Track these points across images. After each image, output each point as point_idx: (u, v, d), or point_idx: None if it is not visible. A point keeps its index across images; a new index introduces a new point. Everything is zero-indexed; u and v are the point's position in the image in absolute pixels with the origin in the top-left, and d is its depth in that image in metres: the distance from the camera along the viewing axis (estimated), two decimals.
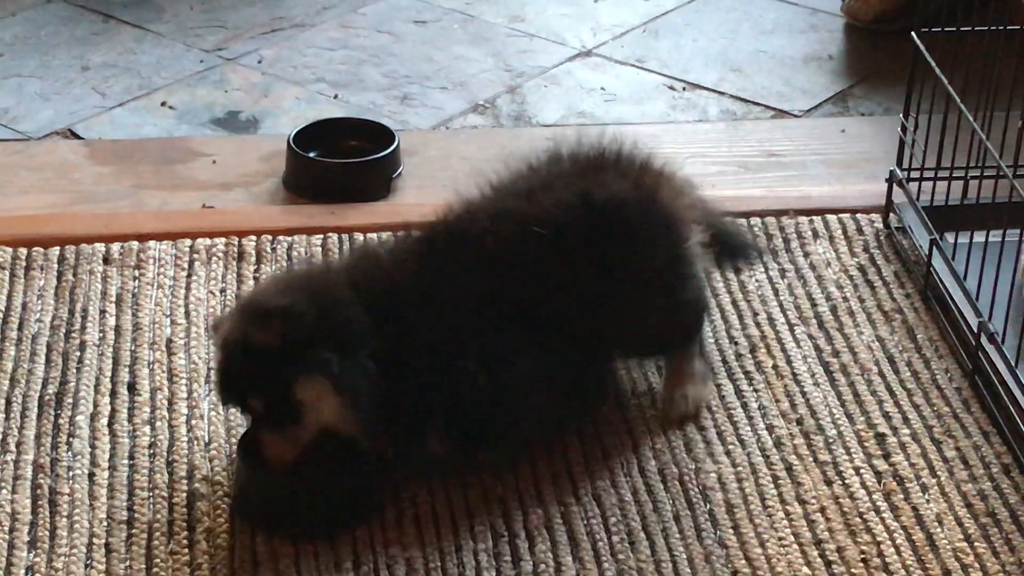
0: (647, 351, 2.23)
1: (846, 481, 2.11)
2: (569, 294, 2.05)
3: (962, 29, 2.38)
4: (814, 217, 2.61)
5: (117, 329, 2.33)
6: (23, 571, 1.94)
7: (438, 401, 1.97)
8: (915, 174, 2.52)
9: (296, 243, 2.51)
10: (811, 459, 2.15)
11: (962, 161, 2.47)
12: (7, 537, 1.99)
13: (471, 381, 1.98)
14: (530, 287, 2.04)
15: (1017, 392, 2.17)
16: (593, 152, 2.19)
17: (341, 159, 2.70)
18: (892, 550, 2.01)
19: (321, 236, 2.53)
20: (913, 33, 2.47)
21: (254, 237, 2.52)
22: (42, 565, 1.95)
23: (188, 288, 2.42)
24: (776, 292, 2.45)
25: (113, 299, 2.39)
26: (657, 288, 2.12)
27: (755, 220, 2.60)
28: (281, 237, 2.52)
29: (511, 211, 2.07)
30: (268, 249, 2.50)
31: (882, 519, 2.05)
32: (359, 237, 2.53)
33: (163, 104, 2.98)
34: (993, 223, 2.22)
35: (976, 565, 1.99)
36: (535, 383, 2.03)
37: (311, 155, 2.71)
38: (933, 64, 2.41)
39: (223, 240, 2.51)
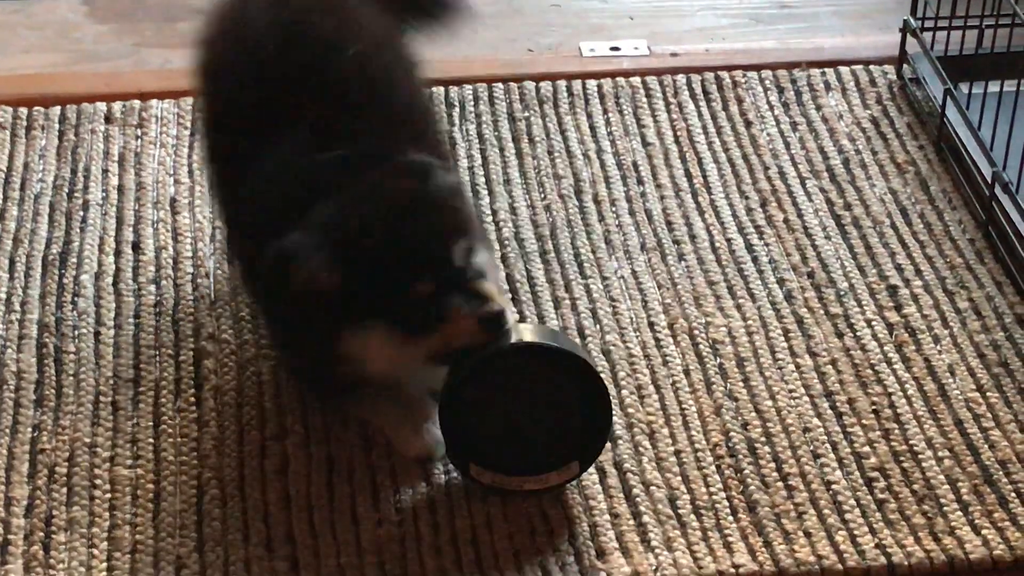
0: None
1: (857, 333, 2.09)
2: None
3: None
4: (826, 69, 2.57)
5: (120, 188, 2.31)
6: (30, 429, 1.94)
7: None
8: (929, 23, 2.48)
9: None
10: (822, 312, 2.13)
11: (977, 10, 2.44)
12: (13, 396, 1.98)
13: None
14: None
15: None
16: None
17: None
18: (903, 401, 2.00)
19: None
20: None
21: None
22: (49, 423, 1.95)
23: (191, 147, 2.39)
24: (787, 145, 2.42)
25: (116, 158, 2.36)
26: None
27: (766, 73, 2.56)
28: None
29: None
30: None
31: (893, 371, 2.04)
32: None
33: None
34: (1008, 72, 2.19)
35: (988, 415, 1.98)
36: None
37: None
38: None
39: None
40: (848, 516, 1.85)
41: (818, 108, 2.50)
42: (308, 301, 1.77)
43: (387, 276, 1.77)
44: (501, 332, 1.79)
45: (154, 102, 2.46)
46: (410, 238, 1.78)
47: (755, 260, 2.21)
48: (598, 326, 2.10)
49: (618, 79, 2.55)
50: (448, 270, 1.78)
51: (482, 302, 1.79)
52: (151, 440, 1.93)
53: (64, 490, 1.87)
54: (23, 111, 2.43)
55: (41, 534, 1.82)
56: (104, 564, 1.80)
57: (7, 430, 1.93)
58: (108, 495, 1.87)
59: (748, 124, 2.46)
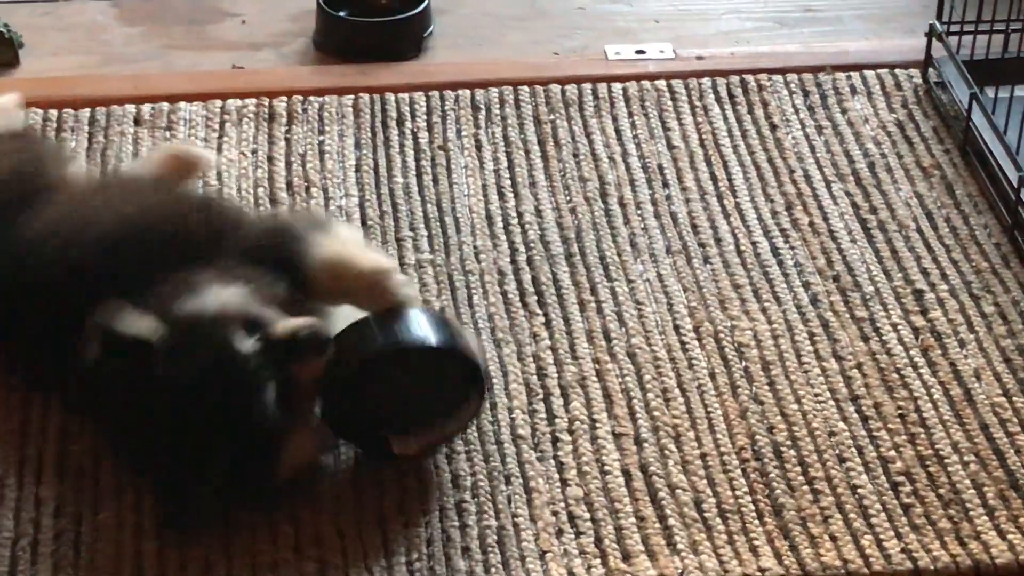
0: None
1: (883, 337, 2.10)
2: None
3: None
4: (851, 73, 2.57)
5: None
6: (58, 431, 1.95)
7: None
8: (955, 28, 2.48)
9: (327, 103, 2.49)
10: (848, 316, 2.13)
11: (1003, 14, 2.44)
12: (43, 398, 1.99)
13: None
14: None
15: None
16: None
17: (372, 18, 2.67)
18: (929, 405, 2.00)
19: (352, 96, 2.51)
20: None
21: (285, 98, 2.50)
22: (76, 425, 1.96)
23: (219, 149, 2.40)
24: (813, 149, 2.43)
25: None
26: None
27: (791, 76, 2.56)
28: (312, 97, 2.50)
29: None
30: (299, 110, 2.48)
31: (919, 375, 2.04)
32: (390, 97, 2.51)
33: None
34: None
35: (1014, 420, 1.98)
36: None
37: (341, 14, 2.68)
38: None
39: (254, 101, 2.49)
40: (874, 520, 1.86)
41: (843, 112, 2.50)
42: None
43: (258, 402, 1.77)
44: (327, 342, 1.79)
45: (183, 104, 2.47)
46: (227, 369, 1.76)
47: (780, 263, 2.22)
48: (623, 329, 2.11)
49: (643, 82, 2.56)
50: (255, 361, 1.76)
51: (296, 345, 1.77)
52: None
53: (92, 492, 1.88)
54: (53, 113, 2.45)
55: (71, 535, 1.83)
56: (132, 565, 1.80)
57: (37, 432, 1.95)
58: (135, 497, 1.88)
59: (773, 127, 2.47)
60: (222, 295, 1.81)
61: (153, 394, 1.75)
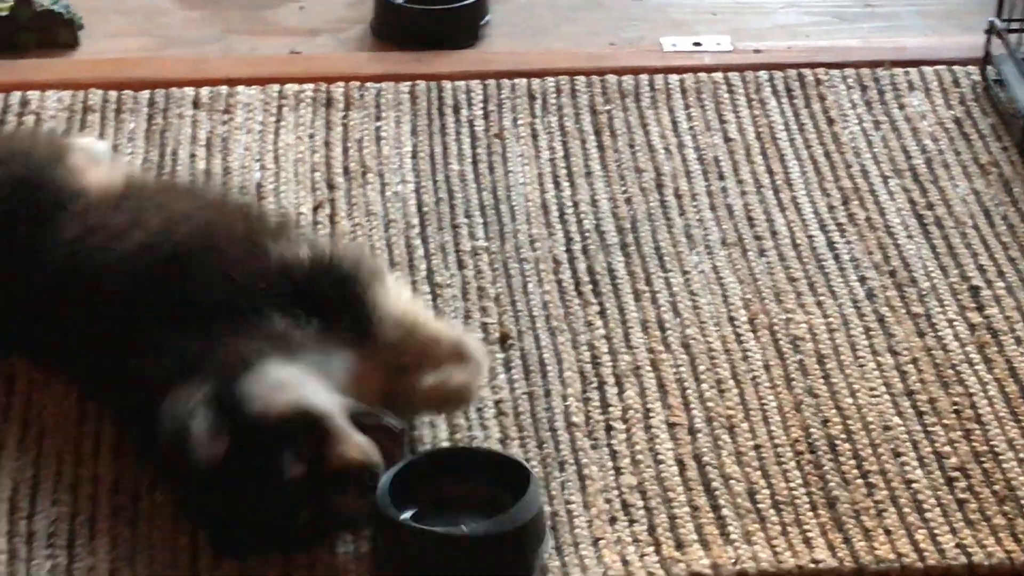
0: None
1: (939, 333, 2.09)
2: None
3: None
4: (910, 69, 2.57)
5: (207, 173, 2.33)
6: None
7: None
8: (1015, 25, 2.47)
9: (384, 90, 2.50)
10: (904, 311, 2.13)
11: None
12: None
13: None
14: None
15: None
16: None
17: (429, 6, 2.68)
18: (985, 402, 2.00)
19: (409, 83, 2.52)
20: None
21: (342, 83, 2.51)
22: None
23: (277, 133, 2.42)
24: (870, 144, 2.42)
25: (203, 143, 2.39)
26: None
27: (849, 71, 2.56)
28: (369, 84, 2.51)
29: None
30: (356, 96, 2.49)
31: (975, 371, 2.04)
32: (447, 85, 2.52)
33: None
34: None
35: None
36: None
37: (399, 1, 2.68)
38: None
39: (311, 86, 2.50)
40: (928, 515, 1.85)
41: (901, 107, 2.50)
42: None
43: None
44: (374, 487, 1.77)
45: (241, 88, 2.49)
46: None
47: (836, 258, 2.21)
48: (678, 319, 2.11)
49: (699, 74, 2.56)
50: (296, 489, 1.75)
51: (346, 479, 1.77)
52: None
53: (149, 471, 1.89)
54: (113, 94, 2.46)
55: (128, 512, 1.84)
56: (188, 544, 1.81)
57: (94, 410, 1.96)
58: None
59: (830, 122, 2.47)
60: (284, 387, 1.78)
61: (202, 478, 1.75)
